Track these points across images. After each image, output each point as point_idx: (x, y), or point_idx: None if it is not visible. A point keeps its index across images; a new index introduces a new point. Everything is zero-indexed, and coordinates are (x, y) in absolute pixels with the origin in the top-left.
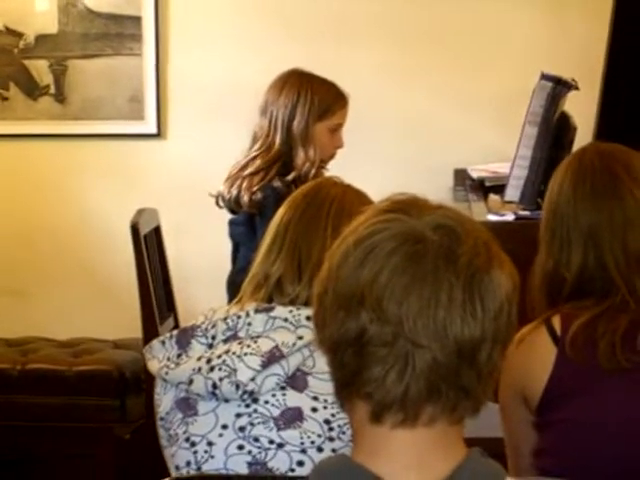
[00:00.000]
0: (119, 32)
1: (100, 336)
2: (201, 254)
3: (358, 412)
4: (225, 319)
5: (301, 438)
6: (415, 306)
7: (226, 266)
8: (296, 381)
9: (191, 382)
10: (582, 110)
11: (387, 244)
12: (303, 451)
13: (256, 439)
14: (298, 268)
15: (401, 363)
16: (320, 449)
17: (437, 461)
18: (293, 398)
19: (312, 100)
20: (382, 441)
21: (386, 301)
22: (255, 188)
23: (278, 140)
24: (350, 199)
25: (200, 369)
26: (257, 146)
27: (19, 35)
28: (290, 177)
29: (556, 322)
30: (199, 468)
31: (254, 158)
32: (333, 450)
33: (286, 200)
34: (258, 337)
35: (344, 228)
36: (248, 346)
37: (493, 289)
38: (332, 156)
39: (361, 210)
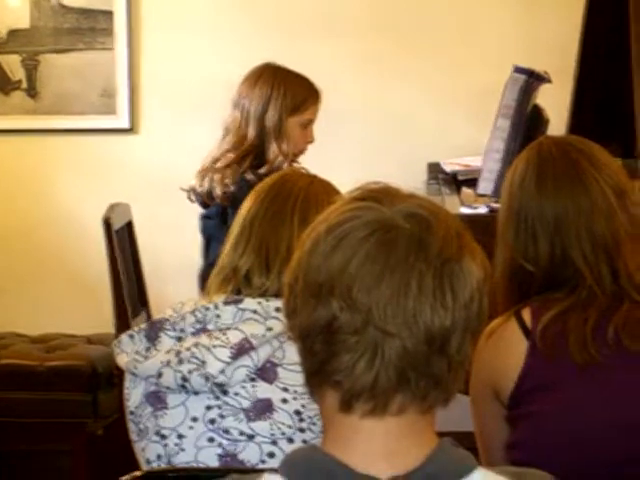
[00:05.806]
0: (91, 27)
1: (73, 331)
2: (173, 249)
3: (327, 401)
4: (193, 312)
5: (271, 429)
6: (385, 294)
7: (199, 261)
8: (266, 372)
9: (160, 375)
10: (555, 103)
11: (358, 232)
12: (274, 442)
13: (226, 431)
14: (266, 261)
15: (370, 351)
16: (291, 440)
17: (407, 450)
18: (263, 389)
19: (285, 94)
20: (352, 430)
21: (356, 289)
22: (228, 181)
23: (251, 133)
24: (316, 190)
25: (169, 362)
26: (229, 138)
27: None
28: (263, 170)
29: (526, 315)
30: (170, 461)
31: (227, 151)
32: (304, 441)
33: (252, 192)
34: (227, 329)
35: (311, 219)
36: (217, 338)
37: (464, 278)
38: (303, 151)
39: (328, 201)
